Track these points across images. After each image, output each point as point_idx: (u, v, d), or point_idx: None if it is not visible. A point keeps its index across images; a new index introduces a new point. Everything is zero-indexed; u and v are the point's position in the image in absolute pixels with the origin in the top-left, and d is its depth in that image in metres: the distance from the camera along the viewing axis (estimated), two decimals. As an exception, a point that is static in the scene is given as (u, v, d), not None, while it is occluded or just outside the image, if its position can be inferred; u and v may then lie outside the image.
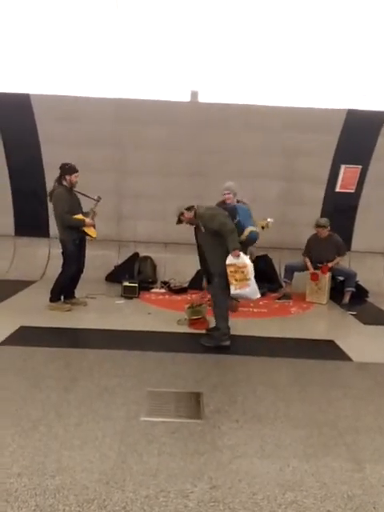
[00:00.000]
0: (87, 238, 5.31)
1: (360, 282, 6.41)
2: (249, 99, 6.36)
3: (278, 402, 3.14)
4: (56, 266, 5.42)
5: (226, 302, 4.31)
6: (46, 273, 6.94)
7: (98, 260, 6.70)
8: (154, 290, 6.49)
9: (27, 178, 6.92)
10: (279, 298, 6.25)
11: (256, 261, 6.45)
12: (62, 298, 5.35)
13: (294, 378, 3.61)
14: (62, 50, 6.07)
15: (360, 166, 6.86)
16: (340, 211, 6.89)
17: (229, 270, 4.01)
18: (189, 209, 4.26)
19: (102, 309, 5.46)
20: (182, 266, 6.86)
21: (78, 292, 5.57)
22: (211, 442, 2.61)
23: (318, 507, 2.12)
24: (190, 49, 6.08)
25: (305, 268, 6.23)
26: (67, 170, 5.04)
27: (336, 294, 6.24)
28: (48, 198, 5.19)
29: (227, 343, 4.21)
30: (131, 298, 5.95)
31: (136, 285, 6.05)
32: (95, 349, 4.05)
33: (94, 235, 5.27)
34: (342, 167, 6.85)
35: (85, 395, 3.13)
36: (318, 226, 6.15)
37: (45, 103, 6.43)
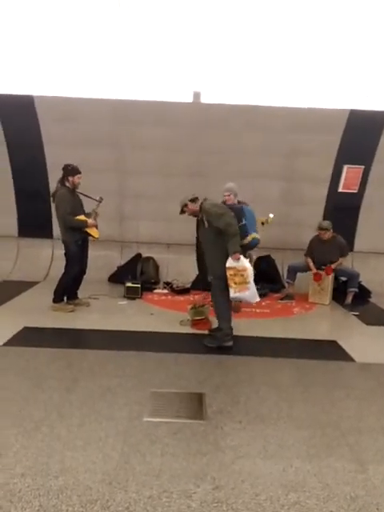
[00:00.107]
0: (90, 238, 5.32)
1: (363, 283, 6.40)
2: (251, 100, 6.34)
3: (280, 403, 3.14)
4: (59, 267, 5.43)
5: (226, 303, 4.29)
6: (49, 274, 6.95)
7: (101, 261, 6.71)
8: (156, 291, 6.50)
9: (30, 179, 6.93)
10: (282, 299, 6.25)
11: (258, 261, 6.51)
12: (65, 298, 5.37)
13: (297, 378, 3.61)
14: (66, 52, 6.07)
15: (362, 167, 6.84)
16: (342, 211, 6.87)
17: (228, 273, 3.98)
18: (193, 200, 4.23)
19: (104, 309, 5.47)
20: (185, 266, 6.87)
21: (81, 293, 5.59)
22: (214, 443, 2.62)
23: (320, 508, 2.12)
24: (193, 50, 6.08)
25: (307, 268, 6.23)
26: (70, 171, 5.05)
27: (339, 294, 6.23)
28: (51, 199, 5.21)
29: (230, 344, 4.20)
30: (134, 298, 5.96)
31: (139, 285, 6.05)
32: (98, 349, 4.06)
33: (96, 236, 5.28)
34: (345, 167, 6.84)
35: (87, 396, 3.13)
36: (320, 228, 6.14)
37: (48, 105, 6.44)
